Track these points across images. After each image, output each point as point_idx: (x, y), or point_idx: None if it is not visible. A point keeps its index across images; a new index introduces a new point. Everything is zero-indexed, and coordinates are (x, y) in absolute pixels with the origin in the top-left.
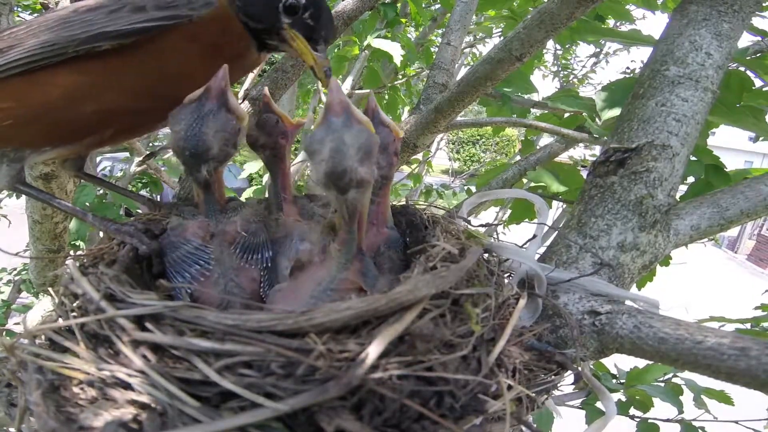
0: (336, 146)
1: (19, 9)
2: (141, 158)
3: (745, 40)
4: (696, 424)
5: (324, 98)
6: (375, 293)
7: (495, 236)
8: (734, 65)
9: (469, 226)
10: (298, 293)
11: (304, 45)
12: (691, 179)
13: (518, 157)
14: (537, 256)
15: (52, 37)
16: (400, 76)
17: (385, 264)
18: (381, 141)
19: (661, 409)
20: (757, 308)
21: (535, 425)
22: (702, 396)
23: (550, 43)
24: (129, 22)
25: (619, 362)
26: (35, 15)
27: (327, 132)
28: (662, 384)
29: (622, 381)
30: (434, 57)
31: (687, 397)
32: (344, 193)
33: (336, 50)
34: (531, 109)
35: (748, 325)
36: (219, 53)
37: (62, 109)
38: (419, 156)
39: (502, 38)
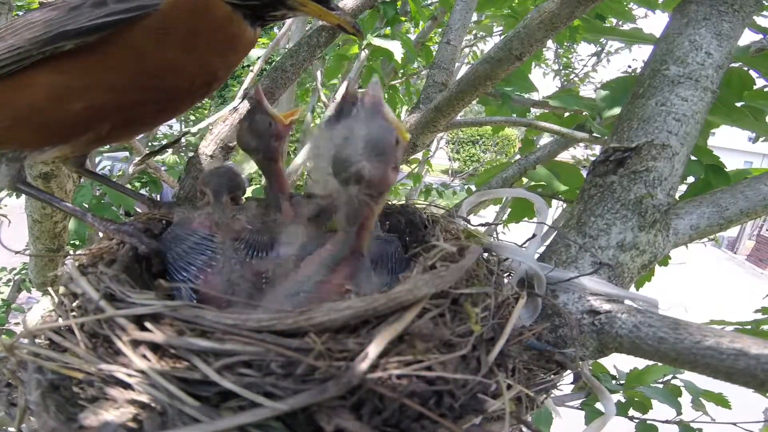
0: (345, 134)
1: (17, 8)
2: (140, 157)
3: (747, 38)
4: (694, 425)
5: (323, 97)
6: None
7: (495, 235)
8: (736, 64)
9: (469, 226)
10: (276, 294)
11: (318, 7)
12: (691, 179)
13: (518, 157)
14: (536, 256)
15: (17, 40)
16: (400, 75)
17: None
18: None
19: (659, 411)
20: (757, 311)
21: (534, 425)
22: (700, 398)
23: (550, 42)
24: (89, 19)
25: (619, 364)
26: None
27: (343, 120)
28: (661, 385)
29: (622, 382)
30: (434, 56)
31: (685, 399)
32: (345, 185)
33: (335, 49)
34: (531, 109)
35: (748, 328)
36: (202, 40)
37: (49, 109)
38: (419, 155)
39: (502, 37)
